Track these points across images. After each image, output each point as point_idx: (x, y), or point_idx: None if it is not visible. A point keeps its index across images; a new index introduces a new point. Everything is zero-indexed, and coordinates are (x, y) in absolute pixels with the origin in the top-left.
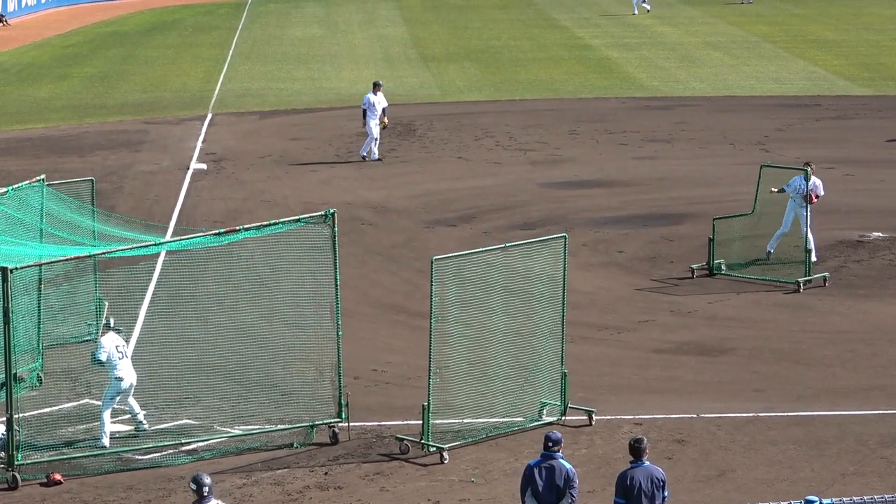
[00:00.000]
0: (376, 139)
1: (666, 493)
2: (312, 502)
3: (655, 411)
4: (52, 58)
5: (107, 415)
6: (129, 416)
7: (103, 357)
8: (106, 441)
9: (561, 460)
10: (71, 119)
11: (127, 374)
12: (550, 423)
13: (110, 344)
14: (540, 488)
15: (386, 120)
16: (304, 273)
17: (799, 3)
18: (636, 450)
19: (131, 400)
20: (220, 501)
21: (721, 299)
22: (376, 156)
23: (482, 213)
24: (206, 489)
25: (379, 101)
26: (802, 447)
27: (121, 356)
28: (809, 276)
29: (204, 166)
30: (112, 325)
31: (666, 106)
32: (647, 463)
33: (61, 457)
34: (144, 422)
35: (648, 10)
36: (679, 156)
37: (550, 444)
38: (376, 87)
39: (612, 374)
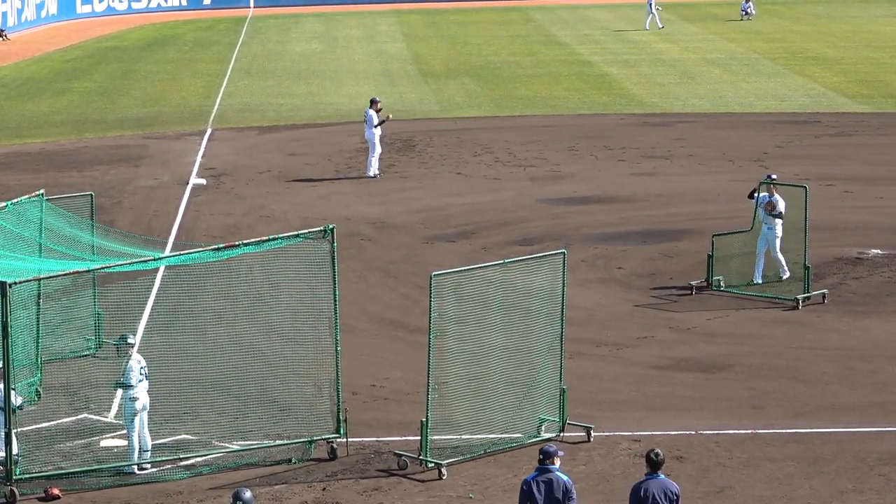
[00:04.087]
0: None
1: None
2: None
3: (654, 428)
4: (51, 72)
5: (134, 438)
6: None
7: (133, 381)
8: (134, 467)
9: (557, 473)
10: (70, 134)
11: (142, 395)
12: (549, 440)
13: (136, 366)
14: (539, 503)
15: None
16: (303, 288)
17: (798, 20)
18: (653, 462)
19: (146, 433)
20: None
21: (720, 316)
22: (371, 172)
23: (481, 228)
24: None
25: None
26: (801, 464)
27: (141, 378)
28: (808, 293)
29: (203, 181)
30: (131, 341)
31: (665, 122)
32: (663, 476)
33: (59, 471)
34: (148, 461)
35: (660, 27)
36: (678, 172)
37: (542, 458)
38: (373, 103)
39: (610, 390)
